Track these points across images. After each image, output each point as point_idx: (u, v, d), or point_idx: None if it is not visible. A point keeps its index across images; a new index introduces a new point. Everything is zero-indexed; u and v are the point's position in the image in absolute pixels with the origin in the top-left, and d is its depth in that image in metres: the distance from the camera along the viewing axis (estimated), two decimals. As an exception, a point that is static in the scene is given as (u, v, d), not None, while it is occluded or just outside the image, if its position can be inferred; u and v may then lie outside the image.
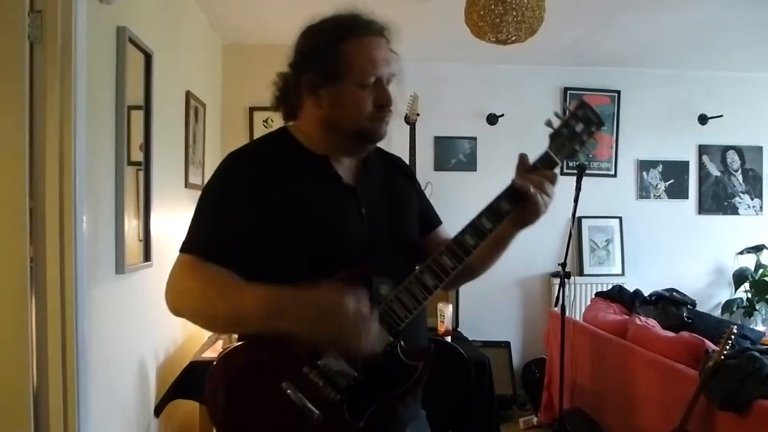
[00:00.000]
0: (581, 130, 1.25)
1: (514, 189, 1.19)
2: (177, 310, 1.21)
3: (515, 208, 1.19)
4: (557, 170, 1.25)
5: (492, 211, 1.19)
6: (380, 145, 1.35)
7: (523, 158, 1.22)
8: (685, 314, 3.39)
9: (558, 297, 3.26)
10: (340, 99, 1.20)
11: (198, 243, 1.18)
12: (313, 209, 1.20)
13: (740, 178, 4.78)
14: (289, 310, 1.08)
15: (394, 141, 4.26)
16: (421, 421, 1.36)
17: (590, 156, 4.57)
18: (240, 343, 1.23)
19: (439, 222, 1.47)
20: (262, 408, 1.14)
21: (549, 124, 1.24)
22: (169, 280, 1.21)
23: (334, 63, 1.19)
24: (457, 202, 4.22)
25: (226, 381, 1.18)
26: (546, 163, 1.22)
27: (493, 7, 2.43)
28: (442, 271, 1.17)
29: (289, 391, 1.11)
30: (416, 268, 1.25)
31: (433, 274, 1.17)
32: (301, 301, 1.07)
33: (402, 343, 1.17)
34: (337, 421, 1.12)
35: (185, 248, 1.20)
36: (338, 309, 1.05)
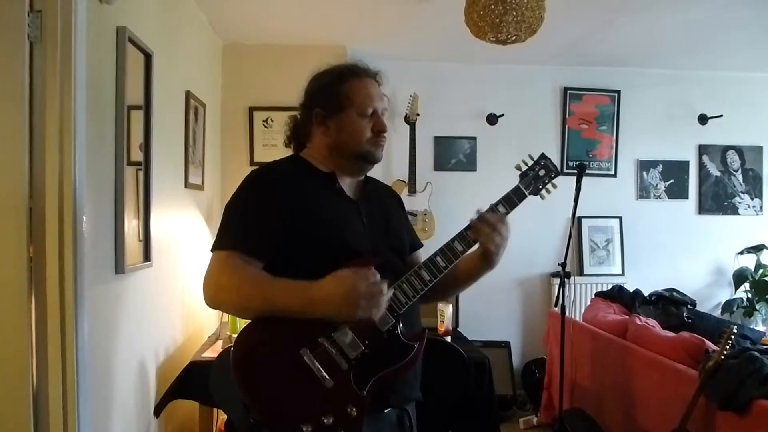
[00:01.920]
0: (543, 174, 1.58)
1: (466, 230, 1.48)
2: (215, 302, 1.38)
3: (468, 248, 1.48)
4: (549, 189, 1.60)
5: (447, 249, 1.46)
6: (373, 174, 1.64)
7: (477, 211, 1.49)
8: (685, 314, 3.39)
9: (558, 297, 3.25)
10: (345, 126, 1.49)
11: (231, 241, 1.38)
12: (324, 214, 1.43)
13: (740, 178, 4.78)
14: (315, 299, 1.28)
15: (395, 141, 4.27)
16: (415, 405, 1.55)
17: (590, 156, 4.58)
18: (257, 319, 1.38)
19: (419, 245, 1.72)
20: (280, 372, 1.31)
21: (518, 167, 1.58)
22: (206, 277, 1.38)
23: (339, 98, 1.48)
24: (457, 202, 4.23)
25: (249, 347, 1.34)
26: (517, 194, 1.54)
27: (493, 7, 2.43)
28: (436, 269, 1.44)
29: (305, 357, 1.30)
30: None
31: (428, 270, 1.44)
32: (324, 290, 1.28)
33: (401, 325, 1.40)
34: (344, 388, 1.31)
35: (219, 246, 1.39)
36: (355, 289, 1.26)
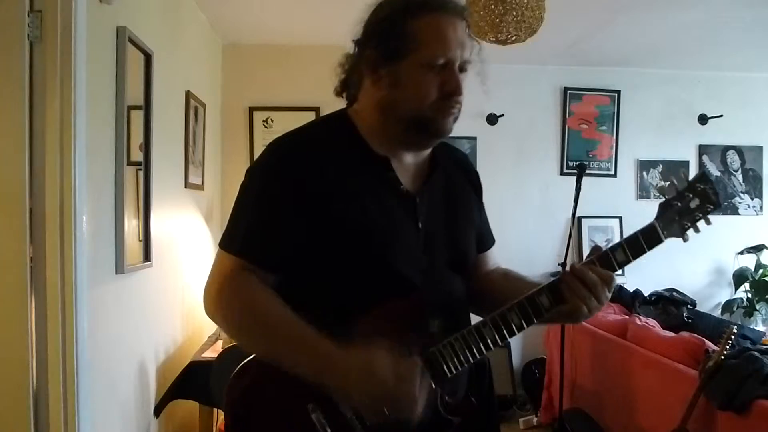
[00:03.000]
0: (696, 206, 1.12)
1: (557, 285, 1.09)
2: (213, 319, 1.13)
3: (555, 306, 1.09)
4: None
5: (528, 304, 1.10)
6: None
7: (593, 248, 1.11)
8: (685, 314, 3.39)
9: (558, 297, 3.25)
10: (401, 79, 1.07)
11: (238, 244, 1.08)
12: (363, 215, 1.07)
13: (740, 178, 4.78)
14: (334, 373, 0.98)
15: (394, 141, 4.27)
16: None
17: (590, 156, 4.58)
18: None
19: (491, 243, 1.34)
20: (280, 427, 1.06)
21: (662, 191, 1.13)
22: (208, 285, 1.10)
23: (400, 38, 1.06)
24: (457, 202, 4.23)
25: (248, 392, 1.09)
26: (649, 237, 1.11)
27: (493, 7, 2.42)
28: (507, 329, 1.07)
29: (313, 415, 1.02)
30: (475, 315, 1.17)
31: (496, 330, 1.07)
32: (349, 369, 0.97)
33: (445, 395, 1.07)
34: None
35: (225, 245, 1.10)
36: (388, 388, 0.96)
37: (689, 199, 1.12)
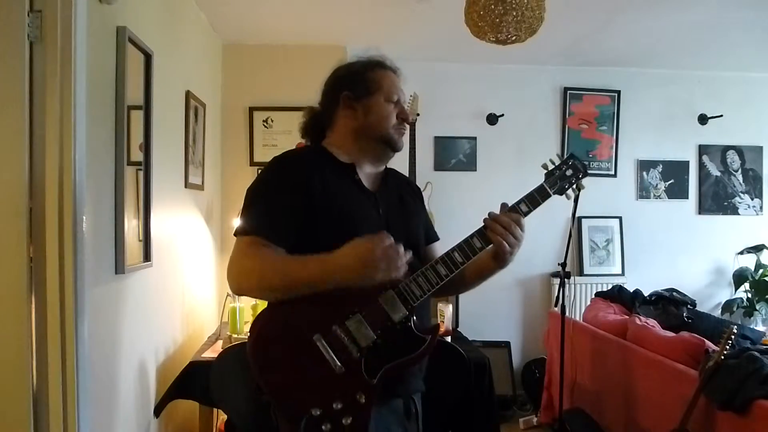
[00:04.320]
0: (570, 174, 1.56)
1: (483, 230, 1.47)
2: (239, 287, 1.39)
3: (486, 245, 1.47)
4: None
5: (465, 245, 1.46)
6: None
7: (502, 205, 1.50)
8: (685, 314, 3.39)
9: (558, 297, 3.25)
10: (373, 109, 1.54)
11: (253, 226, 1.40)
12: (342, 204, 1.45)
13: (740, 178, 4.78)
14: (334, 266, 1.30)
15: (394, 141, 4.27)
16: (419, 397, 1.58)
17: (590, 156, 4.58)
18: (272, 305, 1.42)
19: (436, 238, 1.74)
20: (293, 355, 1.34)
21: (545, 166, 1.55)
22: (230, 263, 1.39)
23: (368, 82, 1.55)
24: (457, 202, 4.23)
25: (264, 329, 1.38)
26: (541, 193, 1.52)
27: (493, 7, 2.42)
28: (452, 264, 1.43)
29: (318, 343, 1.33)
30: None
31: (445, 265, 1.43)
32: (342, 256, 1.30)
33: (414, 318, 1.40)
34: (354, 375, 1.33)
35: (241, 231, 1.41)
36: (372, 251, 1.28)
37: (564, 169, 1.55)
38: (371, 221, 1.48)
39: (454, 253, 1.44)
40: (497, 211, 1.48)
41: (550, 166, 1.55)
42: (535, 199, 1.51)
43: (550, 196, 1.53)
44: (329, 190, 1.44)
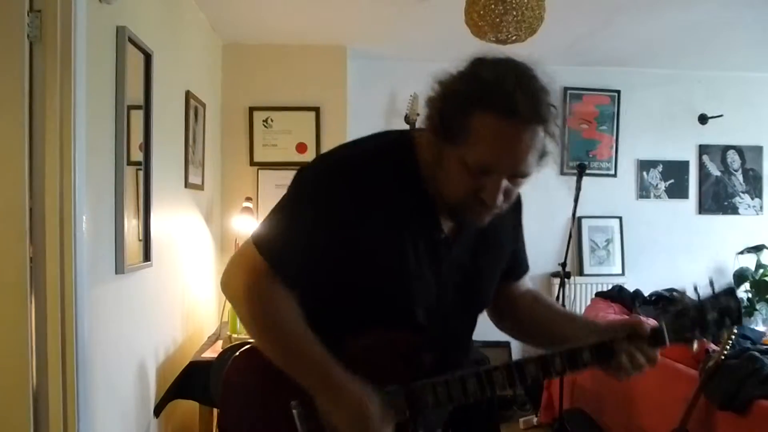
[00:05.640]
0: (712, 319, 1.09)
1: (604, 346, 1.09)
2: (232, 303, 1.16)
3: (595, 363, 1.11)
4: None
5: (570, 356, 1.08)
6: None
7: (638, 326, 1.10)
8: (685, 314, 3.38)
9: (558, 297, 3.25)
10: (443, 161, 1.02)
11: (268, 251, 1.08)
12: (394, 259, 1.07)
13: (740, 178, 4.78)
14: (326, 394, 1.04)
15: (394, 141, 4.27)
16: None
17: (590, 156, 4.58)
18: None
19: (525, 271, 1.34)
20: (262, 412, 1.14)
21: (682, 300, 1.11)
22: (235, 271, 1.12)
23: (458, 123, 0.98)
24: (457, 202, 4.23)
25: (242, 372, 1.17)
26: (655, 339, 1.11)
27: (493, 6, 2.42)
28: (489, 386, 1.06)
29: (294, 411, 1.08)
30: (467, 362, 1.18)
31: (479, 384, 1.06)
32: (337, 396, 1.03)
33: (418, 428, 1.09)
34: None
35: (257, 244, 1.09)
36: (364, 422, 1.01)
37: (708, 310, 1.09)
38: (424, 280, 1.10)
39: (495, 374, 1.06)
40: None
41: (689, 303, 1.09)
42: (654, 340, 1.12)
43: (665, 345, 1.11)
44: (387, 231, 1.06)
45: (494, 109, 0.95)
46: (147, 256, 2.39)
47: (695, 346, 1.13)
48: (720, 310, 1.08)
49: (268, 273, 1.07)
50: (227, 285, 1.14)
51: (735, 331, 2.35)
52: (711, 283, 1.10)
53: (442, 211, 1.10)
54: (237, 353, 1.20)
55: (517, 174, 1.00)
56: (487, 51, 1.07)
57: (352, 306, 1.09)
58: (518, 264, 1.31)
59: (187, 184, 3.05)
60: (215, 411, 2.83)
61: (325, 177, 1.09)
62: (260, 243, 1.09)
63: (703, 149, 4.72)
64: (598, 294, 3.94)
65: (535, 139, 0.98)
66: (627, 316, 3.32)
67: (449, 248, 1.12)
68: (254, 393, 1.15)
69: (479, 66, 1.03)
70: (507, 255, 1.26)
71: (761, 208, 4.79)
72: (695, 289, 1.11)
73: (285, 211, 1.11)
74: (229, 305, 3.16)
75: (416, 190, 1.08)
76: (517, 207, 1.26)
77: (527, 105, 0.95)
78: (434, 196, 1.07)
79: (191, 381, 2.54)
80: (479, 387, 1.06)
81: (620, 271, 4.58)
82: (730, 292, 1.09)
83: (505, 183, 1.00)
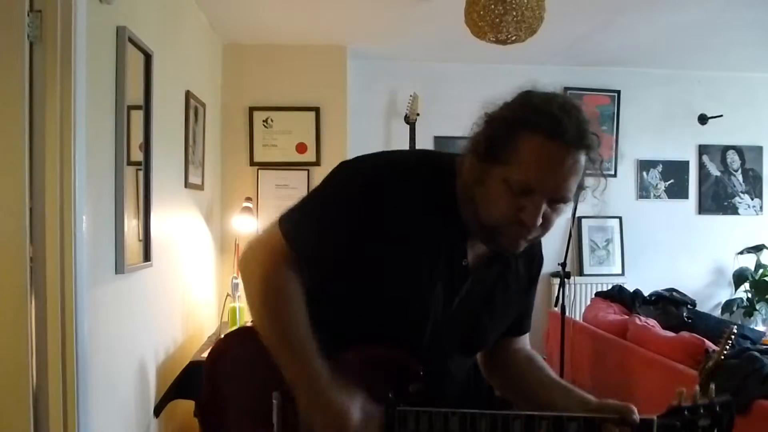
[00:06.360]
0: (702, 427, 1.06)
1: (592, 424, 1.05)
2: (245, 286, 1.16)
3: None
4: None
5: (557, 422, 1.04)
6: None
7: (628, 413, 1.07)
8: (685, 314, 3.39)
9: (558, 297, 3.25)
10: (485, 182, 1.02)
11: (294, 236, 1.09)
12: (411, 283, 1.08)
13: (740, 178, 4.78)
14: (307, 397, 1.04)
15: (394, 141, 4.27)
16: None
17: (590, 156, 4.58)
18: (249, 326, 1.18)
19: (526, 330, 1.33)
20: (244, 398, 1.15)
21: (679, 406, 1.06)
22: (258, 249, 1.14)
23: (503, 144, 1.00)
24: (457, 202, 4.23)
25: (227, 354, 1.20)
26: (642, 430, 1.07)
27: (493, 7, 2.43)
28: (471, 429, 1.03)
29: (274, 400, 1.09)
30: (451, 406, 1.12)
31: (461, 425, 1.03)
32: (320, 401, 1.02)
33: None
34: None
35: (284, 227, 1.10)
36: (343, 425, 1.00)
37: (701, 416, 1.06)
38: (436, 307, 1.11)
39: (480, 423, 1.03)
40: None
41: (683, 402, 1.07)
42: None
43: None
44: (411, 253, 1.07)
45: (542, 130, 0.98)
46: (147, 256, 2.39)
47: None
48: (713, 419, 1.06)
49: (288, 259, 1.09)
50: (246, 264, 1.14)
51: (735, 331, 2.35)
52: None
53: (473, 239, 1.10)
54: (232, 330, 1.25)
55: (557, 198, 1.01)
56: (534, 82, 1.09)
57: (356, 311, 1.10)
58: (522, 321, 1.31)
59: (187, 184, 3.05)
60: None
61: (362, 179, 1.10)
62: (285, 226, 1.10)
63: (703, 149, 4.73)
64: (598, 294, 3.95)
65: (578, 165, 1.01)
66: (627, 317, 3.32)
67: (466, 279, 1.12)
68: (240, 372, 1.17)
69: (527, 94, 1.06)
70: (518, 307, 1.26)
71: (761, 208, 4.79)
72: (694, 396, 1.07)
73: (316, 201, 1.13)
74: (229, 305, 3.16)
75: (448, 214, 1.08)
76: (539, 263, 1.27)
77: (573, 129, 0.99)
78: (467, 222, 1.07)
79: (191, 381, 2.54)
80: (461, 428, 1.04)
81: (620, 271, 4.58)
82: (728, 404, 1.07)
83: (544, 207, 1.00)
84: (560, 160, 0.99)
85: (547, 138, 0.98)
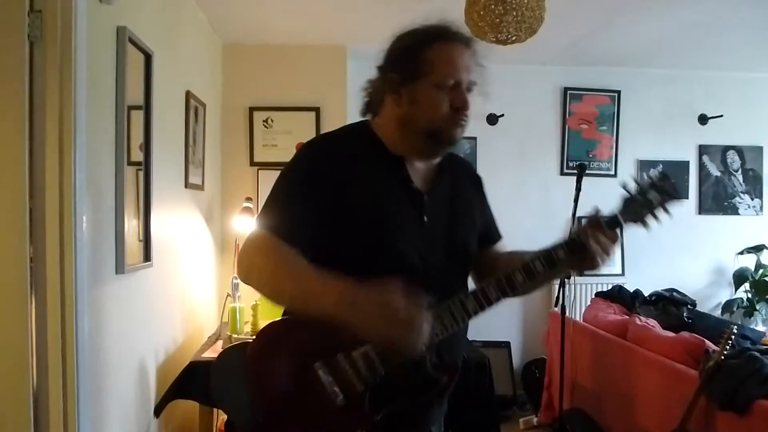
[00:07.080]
0: (655, 199, 1.33)
1: (573, 241, 1.28)
2: (247, 279, 1.26)
3: (570, 257, 1.28)
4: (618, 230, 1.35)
5: (546, 256, 1.26)
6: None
7: (594, 217, 1.29)
8: (685, 314, 3.39)
9: (558, 297, 3.25)
10: (418, 97, 1.27)
11: (269, 222, 1.25)
12: (378, 207, 1.26)
13: (740, 178, 4.78)
14: (351, 304, 1.12)
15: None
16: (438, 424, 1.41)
17: (590, 156, 4.58)
18: (285, 317, 1.29)
19: (498, 237, 1.51)
20: (290, 382, 1.21)
21: (624, 187, 1.32)
22: (244, 250, 1.27)
23: (417, 63, 1.26)
24: (457, 202, 4.23)
25: (266, 343, 1.25)
26: (611, 223, 1.30)
27: (493, 7, 2.42)
28: (485, 300, 1.22)
29: (320, 371, 1.18)
30: (465, 287, 1.32)
31: (476, 300, 1.22)
32: (362, 299, 1.11)
33: (434, 356, 1.22)
34: (356, 409, 1.18)
35: (260, 222, 1.26)
36: (393, 310, 1.09)
37: (649, 192, 1.33)
38: (411, 229, 1.28)
39: (515, 274, 1.23)
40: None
41: (632, 188, 1.33)
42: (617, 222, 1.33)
43: (622, 226, 1.34)
44: (362, 181, 1.26)
45: (441, 39, 1.29)
46: (147, 256, 2.39)
47: (648, 225, 1.34)
48: (657, 189, 1.33)
49: (271, 236, 1.22)
50: (241, 260, 1.26)
51: (735, 331, 2.35)
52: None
53: (410, 164, 1.32)
54: (256, 335, 1.29)
55: (471, 83, 1.30)
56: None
57: (351, 260, 1.20)
58: (492, 230, 1.50)
59: (187, 185, 3.05)
60: (215, 411, 2.84)
61: (303, 154, 1.31)
62: (262, 221, 1.26)
63: (703, 149, 4.72)
64: (598, 294, 3.95)
65: (475, 55, 1.33)
66: (627, 317, 3.32)
67: (422, 198, 1.30)
68: (280, 360, 1.23)
69: (409, 30, 1.35)
70: (479, 218, 1.45)
71: (761, 208, 4.79)
72: (634, 179, 1.36)
73: (278, 188, 1.29)
74: (229, 305, 3.16)
75: (383, 155, 1.31)
76: (478, 178, 1.52)
77: (457, 32, 1.33)
78: (408, 145, 1.30)
79: (191, 381, 2.54)
80: (477, 302, 1.21)
81: (620, 271, 4.58)
82: (662, 175, 1.36)
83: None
84: (461, 53, 1.29)
85: (448, 41, 1.29)
